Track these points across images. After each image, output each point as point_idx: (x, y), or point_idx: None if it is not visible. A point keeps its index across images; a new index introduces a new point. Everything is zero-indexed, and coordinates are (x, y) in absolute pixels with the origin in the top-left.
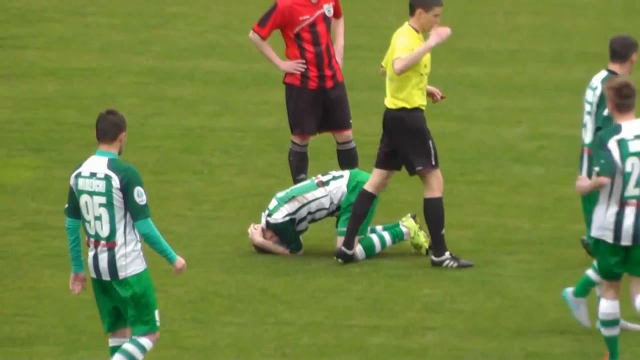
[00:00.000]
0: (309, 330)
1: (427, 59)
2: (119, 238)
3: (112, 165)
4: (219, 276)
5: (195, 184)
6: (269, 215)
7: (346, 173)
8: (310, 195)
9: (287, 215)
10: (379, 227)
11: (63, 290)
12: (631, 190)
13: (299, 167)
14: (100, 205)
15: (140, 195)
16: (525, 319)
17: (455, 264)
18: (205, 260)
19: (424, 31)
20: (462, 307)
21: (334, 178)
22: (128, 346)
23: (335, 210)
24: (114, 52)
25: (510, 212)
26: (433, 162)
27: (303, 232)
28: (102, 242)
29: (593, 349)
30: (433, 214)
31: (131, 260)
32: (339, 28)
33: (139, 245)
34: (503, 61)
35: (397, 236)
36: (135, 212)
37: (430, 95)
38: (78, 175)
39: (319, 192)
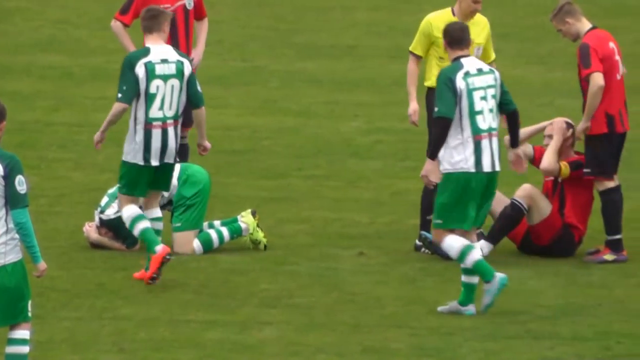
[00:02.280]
0: (146, 325)
1: None
2: (0, 226)
3: None
4: (56, 271)
5: (32, 179)
6: (101, 212)
7: (176, 167)
8: None
9: (118, 211)
10: (217, 222)
11: None
12: (155, 113)
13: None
14: None
15: (21, 184)
16: (362, 313)
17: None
18: (42, 255)
19: (464, 15)
20: (299, 302)
21: None
22: (11, 349)
23: (167, 204)
24: None
25: (348, 206)
26: None
27: None
28: None
29: (430, 343)
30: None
31: (10, 248)
32: (202, 32)
33: (17, 235)
34: (341, 56)
35: (236, 232)
36: (14, 200)
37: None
38: None
39: None
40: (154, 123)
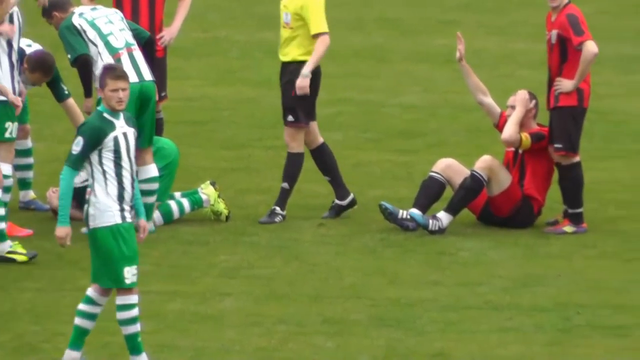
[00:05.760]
0: None
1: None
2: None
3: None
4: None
5: None
6: None
7: None
8: None
9: (85, 180)
10: (177, 194)
11: None
12: None
13: None
14: None
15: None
16: (322, 284)
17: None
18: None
19: None
20: (259, 273)
21: None
22: (120, 315)
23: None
24: None
25: (308, 177)
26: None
27: None
28: None
29: (390, 314)
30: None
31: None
32: (180, 9)
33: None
34: None
35: (197, 203)
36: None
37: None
38: None
39: None
40: None
